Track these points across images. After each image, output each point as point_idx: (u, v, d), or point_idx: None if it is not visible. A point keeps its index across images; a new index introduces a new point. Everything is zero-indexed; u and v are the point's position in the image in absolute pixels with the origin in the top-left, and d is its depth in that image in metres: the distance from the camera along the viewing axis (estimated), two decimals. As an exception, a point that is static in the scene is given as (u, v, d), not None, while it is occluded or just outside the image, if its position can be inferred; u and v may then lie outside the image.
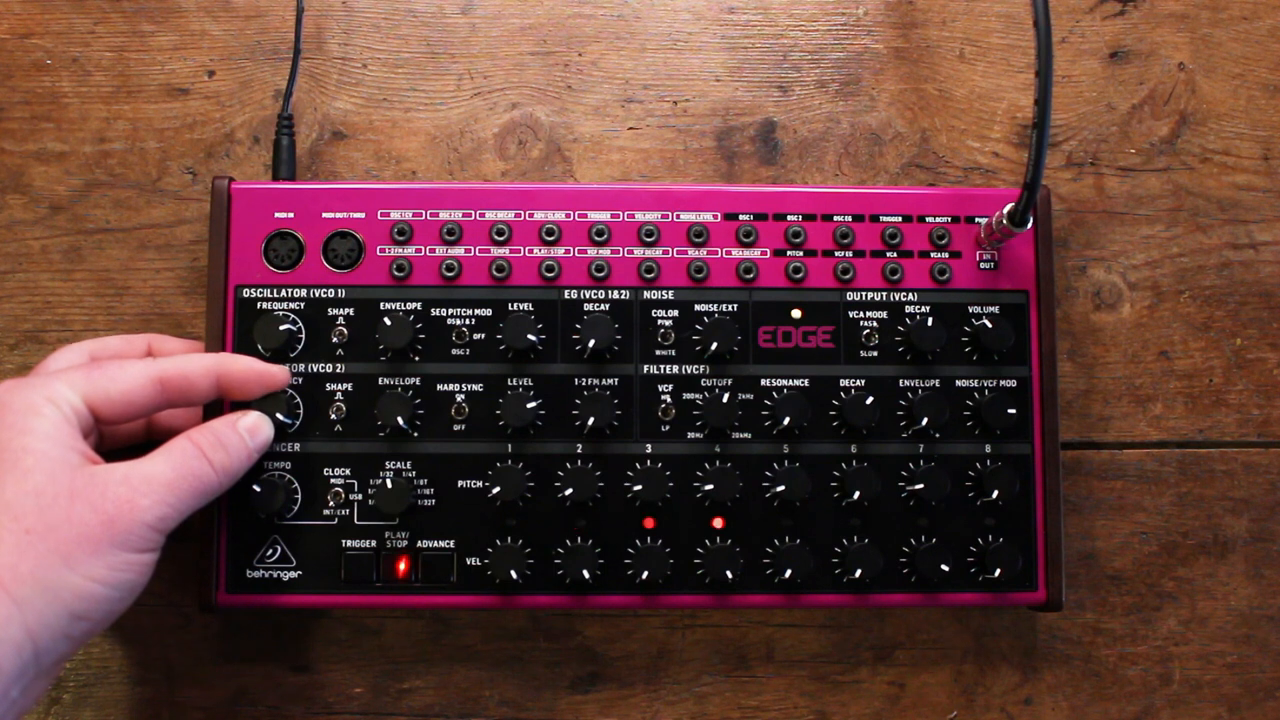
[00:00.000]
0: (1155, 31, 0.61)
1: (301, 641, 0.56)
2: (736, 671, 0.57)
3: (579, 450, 0.53)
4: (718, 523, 0.53)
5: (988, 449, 0.54)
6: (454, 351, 0.54)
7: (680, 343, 0.54)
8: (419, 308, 0.54)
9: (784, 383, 0.54)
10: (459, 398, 0.53)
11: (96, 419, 0.46)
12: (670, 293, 0.54)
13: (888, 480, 0.54)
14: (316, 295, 0.54)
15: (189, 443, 0.46)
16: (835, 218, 0.55)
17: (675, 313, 0.54)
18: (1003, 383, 0.55)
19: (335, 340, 0.53)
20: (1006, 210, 0.53)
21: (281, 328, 0.53)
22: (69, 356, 0.50)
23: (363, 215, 0.54)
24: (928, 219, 0.55)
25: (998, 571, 0.53)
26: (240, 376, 0.50)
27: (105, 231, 0.58)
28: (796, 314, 0.55)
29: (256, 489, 0.51)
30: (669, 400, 0.54)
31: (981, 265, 0.55)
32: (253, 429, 0.50)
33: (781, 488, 0.53)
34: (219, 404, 0.52)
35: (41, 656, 0.41)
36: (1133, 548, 0.59)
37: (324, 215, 0.54)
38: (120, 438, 0.53)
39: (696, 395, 0.54)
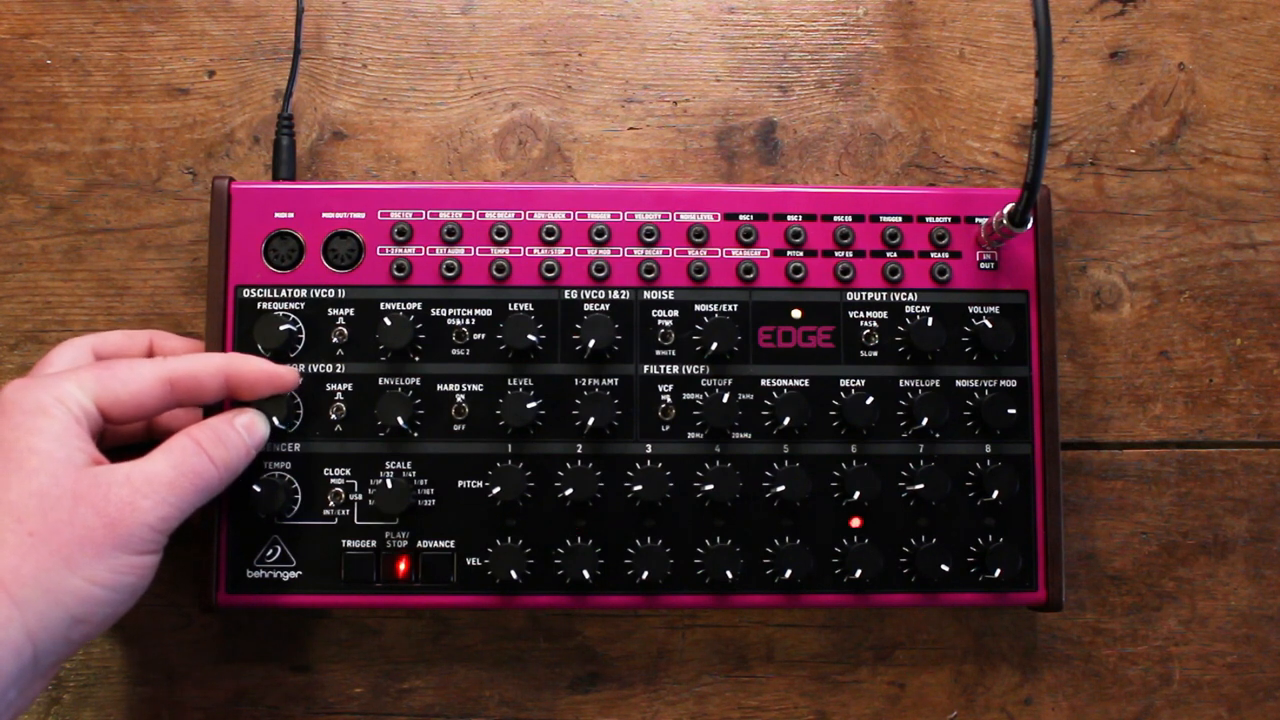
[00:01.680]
0: (1155, 31, 0.61)
1: (301, 641, 0.56)
2: (736, 671, 0.57)
3: (579, 450, 0.53)
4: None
5: (988, 449, 0.54)
6: (454, 351, 0.54)
7: (680, 343, 0.54)
8: (419, 308, 0.54)
9: (784, 383, 0.54)
10: (459, 398, 0.53)
11: (105, 420, 0.46)
12: (670, 293, 0.54)
13: (888, 480, 0.54)
14: (316, 295, 0.54)
15: (189, 440, 0.46)
16: (835, 218, 0.55)
17: (675, 313, 0.54)
18: (1003, 383, 0.55)
19: (335, 340, 0.53)
20: (1006, 210, 0.53)
21: (281, 328, 0.53)
22: (71, 353, 0.50)
23: (363, 215, 0.54)
24: (928, 219, 0.55)
25: (998, 571, 0.53)
26: (250, 377, 0.50)
27: (105, 231, 0.58)
28: (796, 314, 0.55)
29: (256, 489, 0.51)
30: (669, 400, 0.54)
31: (981, 265, 0.55)
32: (250, 426, 0.50)
33: (781, 488, 0.53)
34: (219, 402, 0.52)
35: (40, 659, 0.41)
36: (1133, 548, 0.59)
37: (324, 215, 0.54)
38: (122, 436, 0.53)
39: (696, 395, 0.54)
